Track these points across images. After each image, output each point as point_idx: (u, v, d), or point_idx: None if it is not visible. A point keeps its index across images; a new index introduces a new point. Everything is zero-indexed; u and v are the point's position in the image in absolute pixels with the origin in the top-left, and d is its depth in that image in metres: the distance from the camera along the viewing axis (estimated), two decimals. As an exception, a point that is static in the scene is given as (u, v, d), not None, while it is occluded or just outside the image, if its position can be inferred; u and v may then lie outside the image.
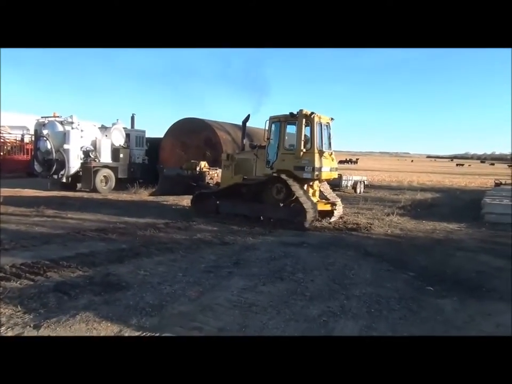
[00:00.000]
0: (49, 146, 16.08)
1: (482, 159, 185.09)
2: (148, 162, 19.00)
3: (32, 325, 3.93)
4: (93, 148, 16.99)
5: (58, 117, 17.02)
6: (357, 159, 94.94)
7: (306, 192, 10.38)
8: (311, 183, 10.81)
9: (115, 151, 17.75)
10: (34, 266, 5.76)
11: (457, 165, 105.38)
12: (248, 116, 12.23)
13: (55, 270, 5.66)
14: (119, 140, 18.10)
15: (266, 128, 10.78)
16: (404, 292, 5.42)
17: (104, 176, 16.87)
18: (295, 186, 9.97)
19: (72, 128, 16.43)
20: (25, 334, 3.75)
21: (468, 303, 5.11)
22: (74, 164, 16.40)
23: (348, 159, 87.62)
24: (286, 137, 10.61)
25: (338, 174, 17.38)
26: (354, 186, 20.23)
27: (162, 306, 4.55)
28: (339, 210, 11.21)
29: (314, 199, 10.78)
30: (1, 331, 3.78)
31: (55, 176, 16.31)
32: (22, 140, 23.95)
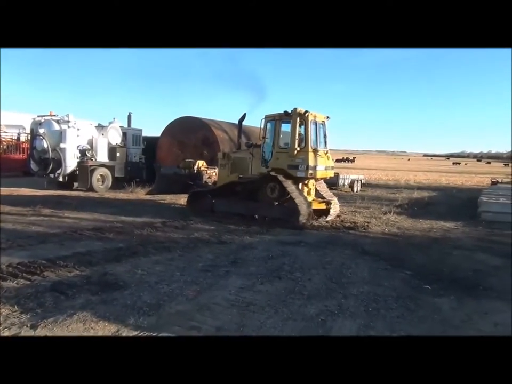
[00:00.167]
0: (45, 145, 16.01)
1: (479, 157, 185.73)
2: (145, 161, 18.94)
3: (29, 325, 3.91)
4: (89, 147, 16.92)
5: (54, 115, 16.93)
6: (354, 157, 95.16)
7: (300, 191, 10.35)
8: (306, 182, 10.79)
9: (112, 150, 17.69)
10: (31, 266, 5.74)
11: (453, 163, 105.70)
12: (244, 114, 12.23)
13: (52, 270, 5.64)
14: (116, 139, 18.04)
15: (262, 127, 10.78)
16: (402, 291, 5.43)
17: (101, 175, 16.81)
18: (288, 185, 9.97)
19: (69, 127, 16.35)
20: (22, 334, 3.73)
21: (465, 302, 5.13)
22: (71, 163, 16.33)
23: (344, 158, 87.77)
24: (281, 136, 10.61)
25: (335, 173, 17.42)
26: (351, 185, 20.26)
27: (160, 306, 4.54)
28: (335, 209, 11.21)
29: (310, 198, 10.77)
30: (-2, 331, 3.76)
31: (52, 175, 16.24)
32: (18, 138, 23.83)
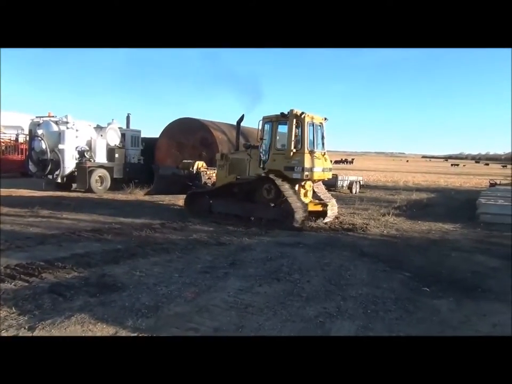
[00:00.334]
0: (44, 146, 15.99)
1: (477, 159, 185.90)
2: (144, 162, 18.93)
3: (26, 327, 3.89)
4: (88, 148, 16.91)
5: (53, 116, 16.93)
6: (353, 159, 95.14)
7: (296, 193, 10.34)
8: (302, 184, 10.78)
9: (110, 151, 17.67)
10: (29, 267, 5.73)
11: (452, 165, 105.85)
12: (243, 116, 12.23)
13: (50, 271, 5.63)
14: (115, 140, 18.03)
15: (260, 128, 10.78)
16: (400, 293, 5.43)
17: (100, 176, 16.79)
18: (284, 187, 9.95)
19: (67, 128, 16.34)
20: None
21: (463, 304, 5.13)
22: (69, 164, 16.31)
23: (343, 159, 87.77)
24: (278, 137, 10.62)
25: (334, 174, 17.41)
26: (350, 187, 20.26)
27: (158, 308, 4.53)
28: (333, 210, 11.19)
29: (306, 200, 10.76)
30: (-4, 333, 3.75)
31: (50, 176, 16.22)
32: (17, 139, 23.79)
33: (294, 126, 10.23)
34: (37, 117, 17.20)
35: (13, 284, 5.14)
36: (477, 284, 5.93)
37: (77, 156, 16.57)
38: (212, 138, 17.06)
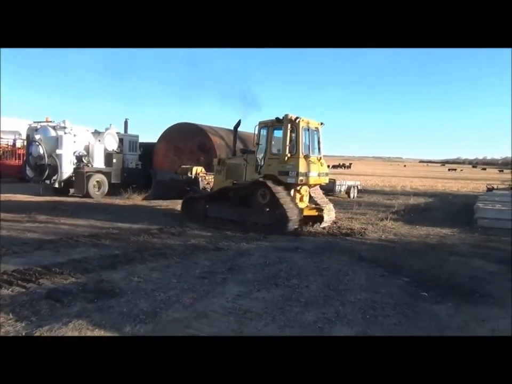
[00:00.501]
0: (41, 151, 15.95)
1: (474, 164, 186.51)
2: (142, 167, 18.91)
3: (24, 333, 3.87)
4: (85, 153, 16.87)
5: (50, 121, 16.90)
6: (350, 163, 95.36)
7: (291, 197, 10.33)
8: (298, 188, 10.77)
9: (108, 156, 17.64)
10: (26, 273, 5.70)
11: (449, 169, 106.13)
12: (239, 121, 12.26)
13: (47, 277, 5.60)
14: (112, 145, 18.01)
15: (256, 133, 10.80)
16: (399, 298, 5.42)
17: (97, 181, 16.75)
18: (278, 191, 9.96)
19: (65, 133, 16.31)
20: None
21: (462, 309, 5.13)
22: (67, 169, 16.27)
23: (341, 164, 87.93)
24: (273, 142, 10.64)
25: (332, 179, 17.41)
26: (347, 191, 20.28)
27: (156, 313, 4.51)
28: (330, 215, 11.17)
29: (303, 205, 10.76)
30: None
31: (48, 182, 16.16)
32: (14, 144, 23.73)
33: (288, 131, 10.25)
34: (34, 122, 17.18)
35: (10, 289, 5.11)
36: (475, 289, 5.93)
37: (75, 161, 16.53)
38: (210, 143, 17.07)
